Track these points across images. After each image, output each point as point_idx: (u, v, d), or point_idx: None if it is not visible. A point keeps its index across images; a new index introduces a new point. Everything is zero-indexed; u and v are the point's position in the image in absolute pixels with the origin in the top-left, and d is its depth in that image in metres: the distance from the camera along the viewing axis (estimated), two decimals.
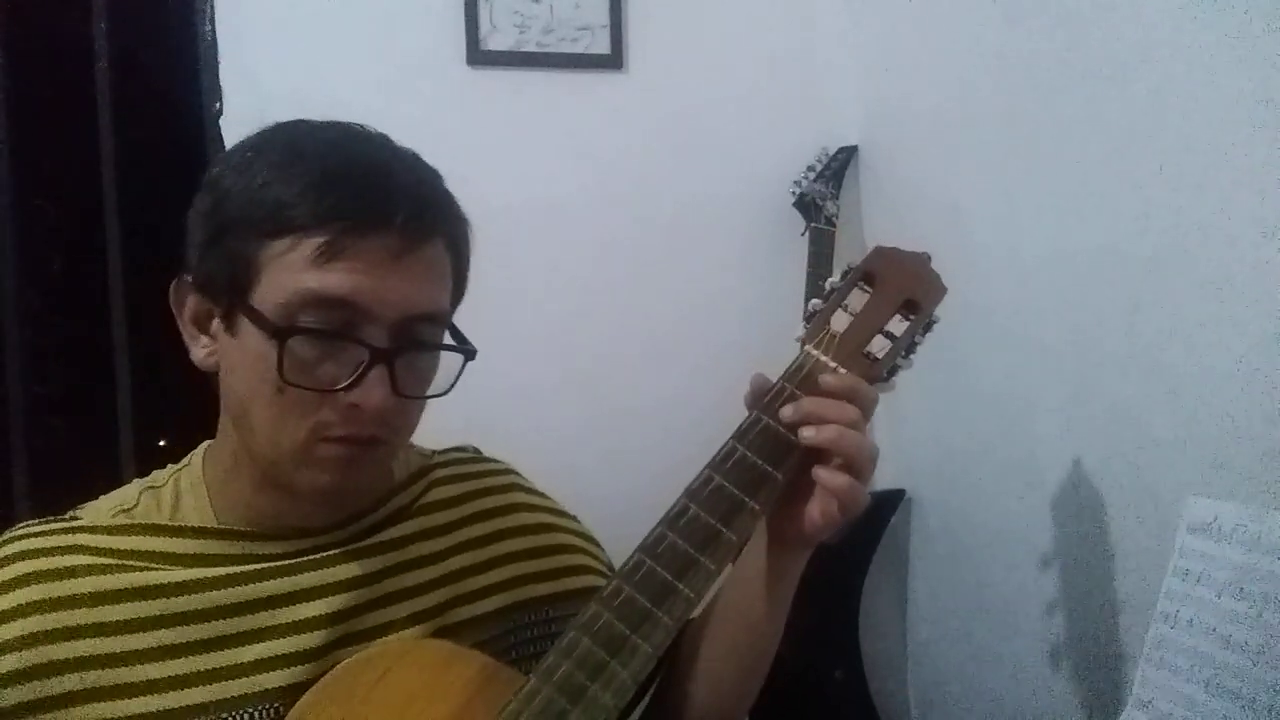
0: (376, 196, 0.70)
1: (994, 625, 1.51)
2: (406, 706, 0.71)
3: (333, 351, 0.70)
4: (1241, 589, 0.81)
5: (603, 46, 1.77)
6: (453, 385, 0.76)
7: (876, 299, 0.78)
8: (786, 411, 0.72)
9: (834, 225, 1.73)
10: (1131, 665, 0.90)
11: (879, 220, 1.82)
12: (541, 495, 0.95)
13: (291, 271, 0.69)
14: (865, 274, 0.79)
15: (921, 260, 0.80)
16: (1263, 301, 1.01)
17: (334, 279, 0.69)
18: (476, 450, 0.97)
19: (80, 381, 1.60)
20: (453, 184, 0.76)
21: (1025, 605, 1.41)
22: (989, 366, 1.49)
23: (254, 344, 0.70)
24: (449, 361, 0.77)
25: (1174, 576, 0.86)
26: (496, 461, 0.96)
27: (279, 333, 0.69)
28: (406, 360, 0.72)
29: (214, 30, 1.63)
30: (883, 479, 1.83)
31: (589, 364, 1.80)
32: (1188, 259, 1.10)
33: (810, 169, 1.79)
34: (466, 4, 1.71)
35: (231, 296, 0.71)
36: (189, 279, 0.75)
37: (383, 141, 0.76)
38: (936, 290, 0.79)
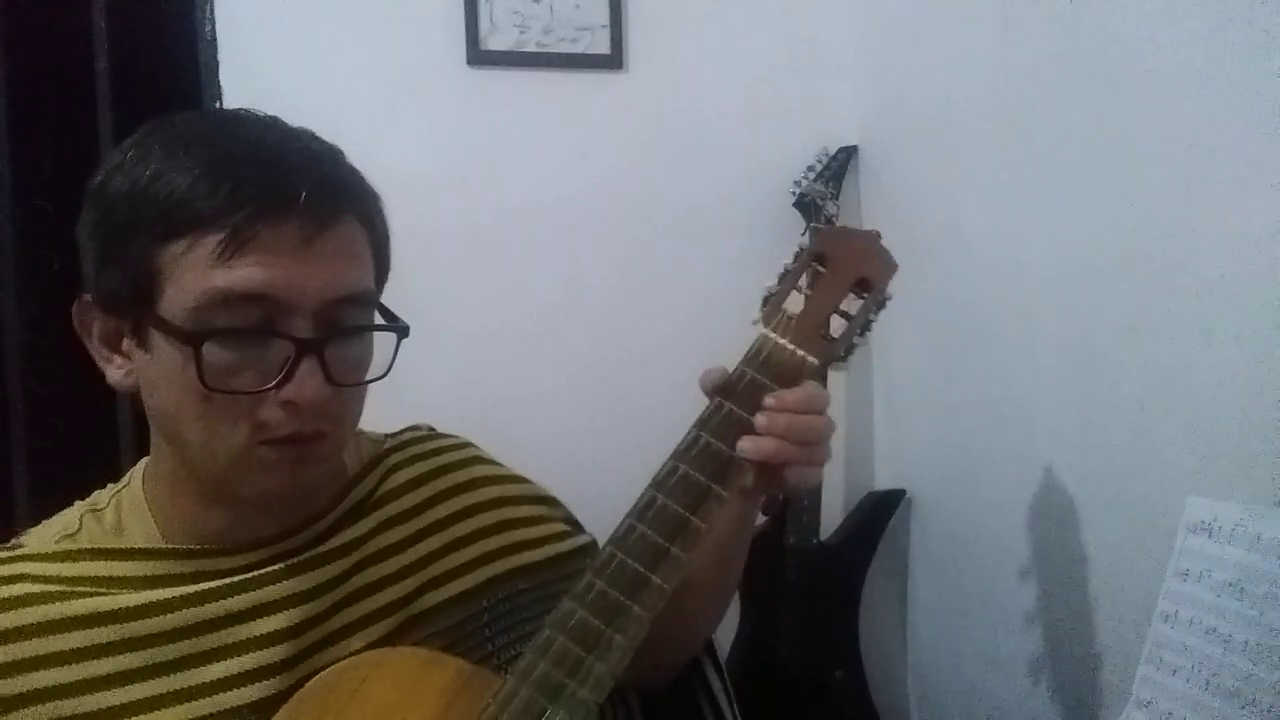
0: (274, 179, 0.66)
1: (994, 625, 1.51)
2: (384, 719, 0.69)
3: (256, 350, 0.66)
4: (1241, 589, 0.81)
5: (603, 46, 1.77)
6: (390, 367, 0.73)
7: (829, 279, 0.79)
8: (744, 444, 0.73)
9: (834, 225, 1.73)
10: (1131, 665, 0.90)
11: (878, 220, 1.81)
12: (501, 465, 0.93)
13: (196, 272, 0.64)
14: (817, 255, 0.80)
15: (871, 238, 0.81)
16: (1262, 301, 1.01)
17: (243, 274, 0.64)
18: (431, 429, 0.94)
19: (80, 381, 1.60)
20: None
21: (1025, 605, 1.41)
22: (988, 366, 1.49)
23: (169, 356, 0.66)
24: (384, 343, 0.74)
25: (1174, 576, 0.86)
26: (453, 437, 0.94)
27: (192, 339, 0.64)
28: (336, 347, 0.68)
29: (214, 30, 1.63)
30: (883, 479, 1.84)
31: (588, 364, 1.80)
32: (1187, 258, 1.10)
33: (810, 169, 1.79)
34: (466, 4, 1.71)
35: (137, 310, 0.67)
36: (88, 299, 0.71)
37: (272, 122, 0.71)
38: (888, 267, 0.80)
